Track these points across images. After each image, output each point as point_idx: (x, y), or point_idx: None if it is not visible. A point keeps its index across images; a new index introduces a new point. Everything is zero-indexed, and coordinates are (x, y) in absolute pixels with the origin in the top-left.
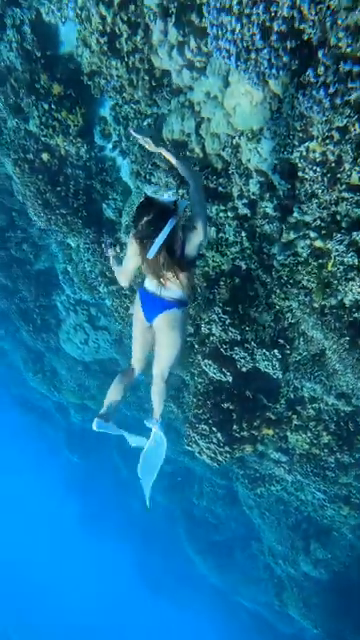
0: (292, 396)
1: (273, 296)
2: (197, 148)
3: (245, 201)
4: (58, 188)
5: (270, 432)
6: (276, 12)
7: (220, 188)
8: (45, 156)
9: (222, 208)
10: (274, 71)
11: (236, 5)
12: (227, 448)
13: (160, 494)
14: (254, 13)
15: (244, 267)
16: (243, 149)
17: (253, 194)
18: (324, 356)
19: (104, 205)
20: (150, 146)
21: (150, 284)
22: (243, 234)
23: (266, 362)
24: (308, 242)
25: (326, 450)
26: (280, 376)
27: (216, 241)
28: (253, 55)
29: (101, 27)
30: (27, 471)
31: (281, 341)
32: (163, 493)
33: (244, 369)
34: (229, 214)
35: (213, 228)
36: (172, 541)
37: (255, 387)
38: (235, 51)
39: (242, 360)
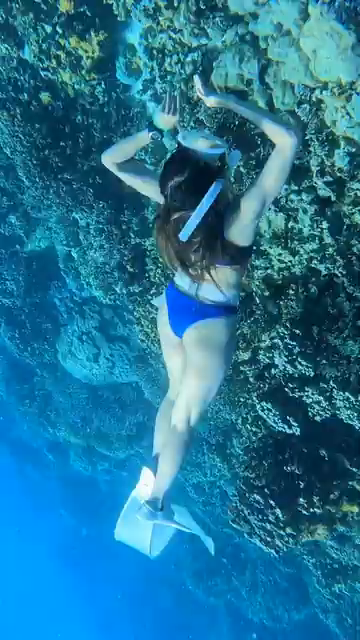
0: None
1: None
2: (261, 101)
3: (329, 179)
4: (62, 143)
5: (355, 509)
6: None
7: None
8: (45, 97)
9: (295, 188)
10: None
11: None
12: (289, 530)
13: (192, 581)
14: None
15: (324, 272)
16: (327, 107)
17: (340, 170)
18: None
19: None
20: (211, 102)
21: (182, 280)
22: (324, 225)
23: (350, 411)
24: None
25: None
26: None
27: (284, 233)
28: None
29: None
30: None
31: None
32: (198, 579)
33: (318, 418)
34: (304, 197)
35: (281, 214)
36: None
37: (334, 444)
38: None
39: (316, 406)
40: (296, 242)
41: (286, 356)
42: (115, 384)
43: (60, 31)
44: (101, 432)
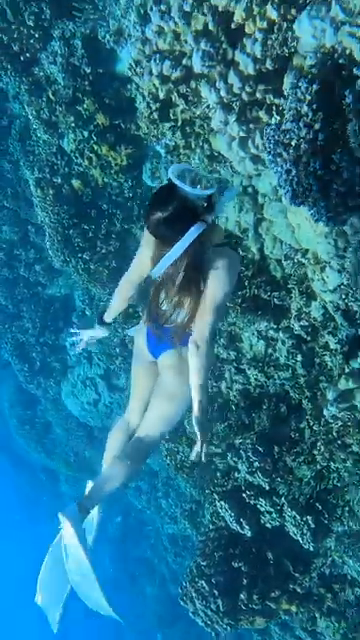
0: (328, 572)
1: (316, 451)
2: (254, 247)
3: (304, 324)
4: (86, 226)
5: (292, 608)
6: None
7: (276, 300)
8: (77, 183)
9: (273, 326)
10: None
11: (292, 150)
12: (227, 620)
13: None
14: (311, 164)
15: (295, 397)
16: (307, 267)
17: (314, 319)
18: None
19: None
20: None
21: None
22: (299, 358)
23: (295, 529)
24: None
25: None
26: (311, 548)
27: (263, 357)
28: (310, 197)
29: (154, 91)
30: None
31: (319, 506)
32: None
33: (269, 525)
34: (282, 335)
35: (262, 341)
36: None
37: (281, 550)
38: (291, 190)
39: (267, 515)
40: (272, 368)
41: (247, 467)
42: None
43: (94, 139)
44: (92, 469)
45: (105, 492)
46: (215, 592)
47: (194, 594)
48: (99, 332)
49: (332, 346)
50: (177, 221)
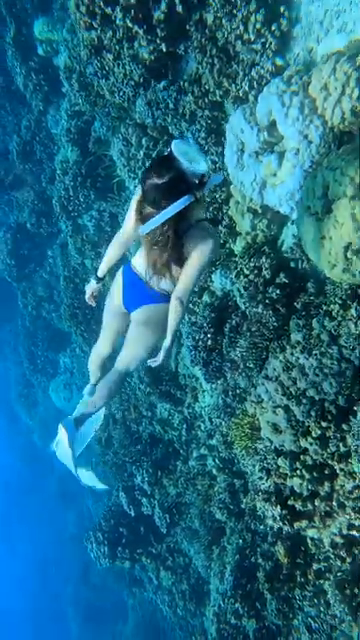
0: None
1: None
2: None
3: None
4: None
5: (149, 561)
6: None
7: None
8: None
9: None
10: None
11: (195, 342)
12: (108, 560)
13: None
14: (201, 352)
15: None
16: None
17: None
18: None
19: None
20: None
21: (140, 264)
22: None
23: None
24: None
25: None
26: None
27: None
28: (200, 365)
29: None
30: None
31: (176, 517)
32: None
33: (144, 512)
34: None
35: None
36: None
37: (148, 525)
38: (193, 359)
39: (145, 507)
40: None
41: (140, 476)
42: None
43: None
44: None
45: (93, 410)
46: (105, 542)
47: (93, 538)
48: (94, 286)
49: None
50: (170, 190)
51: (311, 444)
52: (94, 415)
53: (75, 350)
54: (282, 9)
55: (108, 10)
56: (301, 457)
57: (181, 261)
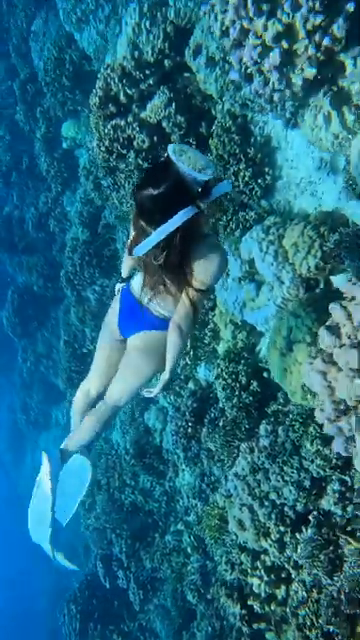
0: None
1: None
2: None
3: None
4: None
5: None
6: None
7: None
8: None
9: None
10: None
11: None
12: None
13: None
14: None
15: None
16: None
17: None
18: None
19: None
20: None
21: (139, 286)
22: None
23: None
24: None
25: None
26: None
27: None
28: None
29: None
30: None
31: (150, 594)
32: None
33: (120, 585)
34: None
35: None
36: None
37: (122, 600)
38: (176, 439)
39: (120, 580)
40: None
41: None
42: None
43: None
44: None
45: (80, 444)
46: (78, 616)
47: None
48: (118, 285)
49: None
50: (168, 200)
51: (270, 546)
52: (82, 468)
53: (69, 406)
54: (267, 169)
55: (124, 151)
56: (261, 557)
57: (184, 283)
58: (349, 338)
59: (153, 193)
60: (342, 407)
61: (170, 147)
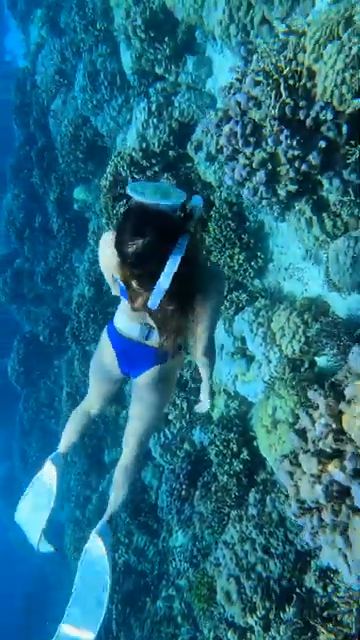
0: None
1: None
2: None
3: None
4: None
5: None
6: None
7: None
8: None
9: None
10: None
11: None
12: None
13: None
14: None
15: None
16: None
17: None
18: None
19: None
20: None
21: (129, 325)
22: None
23: None
24: None
25: None
26: None
27: None
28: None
29: None
30: None
31: None
32: None
33: None
34: None
35: None
36: None
37: None
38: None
39: None
40: None
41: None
42: None
43: None
44: None
45: (120, 501)
46: None
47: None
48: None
49: None
50: (161, 240)
51: (256, 623)
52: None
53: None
54: (259, 253)
55: None
56: (247, 634)
57: (187, 313)
58: (313, 443)
59: (141, 242)
60: (306, 506)
61: (130, 188)
